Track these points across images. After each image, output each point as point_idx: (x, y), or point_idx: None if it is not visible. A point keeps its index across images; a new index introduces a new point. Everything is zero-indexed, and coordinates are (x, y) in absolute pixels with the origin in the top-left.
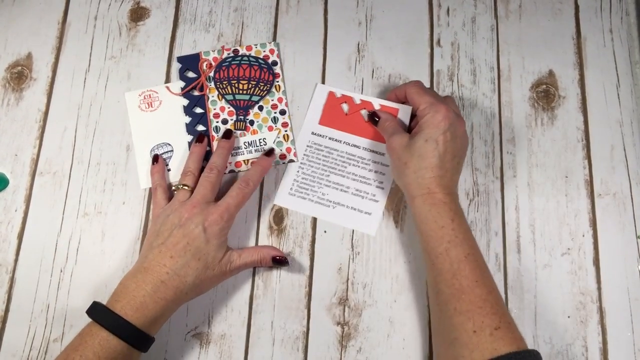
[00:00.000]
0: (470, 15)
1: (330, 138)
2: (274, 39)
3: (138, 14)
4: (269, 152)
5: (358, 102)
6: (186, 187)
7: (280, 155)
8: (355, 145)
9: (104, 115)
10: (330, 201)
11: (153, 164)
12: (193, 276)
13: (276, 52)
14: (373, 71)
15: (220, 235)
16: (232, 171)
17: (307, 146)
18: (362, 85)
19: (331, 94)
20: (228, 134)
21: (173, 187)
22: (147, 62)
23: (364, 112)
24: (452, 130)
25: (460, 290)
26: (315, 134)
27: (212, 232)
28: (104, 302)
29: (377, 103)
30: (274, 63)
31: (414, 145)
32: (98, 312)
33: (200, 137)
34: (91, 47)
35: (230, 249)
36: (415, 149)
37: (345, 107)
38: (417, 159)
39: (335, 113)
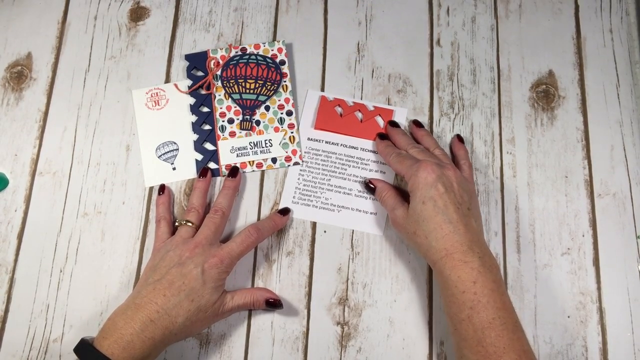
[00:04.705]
0: (470, 15)
1: (327, 142)
2: (274, 39)
3: (138, 14)
4: (284, 212)
5: (351, 104)
6: (190, 224)
7: (285, 158)
8: (352, 147)
9: (104, 115)
10: (335, 205)
11: (159, 193)
12: (184, 317)
13: (284, 51)
14: (373, 71)
15: (218, 279)
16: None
17: (305, 152)
18: (362, 85)
19: (323, 98)
20: (234, 172)
21: (176, 223)
22: (147, 62)
23: (360, 180)
24: (442, 180)
25: (487, 357)
26: (311, 139)
27: (210, 275)
28: (104, 298)
29: (371, 105)
30: (282, 62)
31: (414, 212)
32: (85, 352)
33: (203, 171)
34: (91, 47)
35: (224, 291)
36: (417, 215)
37: (339, 109)
38: (422, 223)
39: (330, 116)
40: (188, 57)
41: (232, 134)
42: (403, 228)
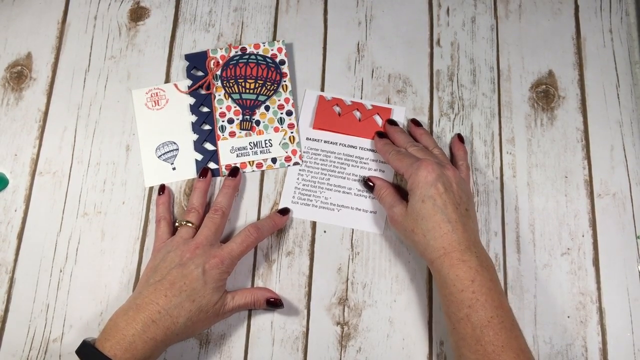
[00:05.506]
0: (470, 15)
1: (325, 141)
2: (274, 39)
3: (138, 14)
4: (284, 211)
5: (349, 103)
6: (190, 224)
7: (285, 158)
8: (351, 146)
9: (104, 115)
10: (334, 204)
11: (159, 193)
12: (185, 317)
13: (284, 50)
14: (373, 71)
15: (219, 279)
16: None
17: (304, 152)
18: (362, 85)
19: (321, 98)
20: (234, 172)
21: (177, 223)
22: (147, 62)
23: (359, 178)
24: (442, 180)
25: (485, 355)
26: (309, 139)
27: (211, 275)
28: (104, 300)
29: (369, 104)
30: (282, 62)
31: (412, 210)
32: (87, 353)
33: (203, 171)
34: (91, 47)
35: (225, 291)
36: (415, 213)
37: (337, 109)
38: (421, 222)
39: (328, 116)
40: (188, 57)
41: (232, 134)
42: (401, 226)
